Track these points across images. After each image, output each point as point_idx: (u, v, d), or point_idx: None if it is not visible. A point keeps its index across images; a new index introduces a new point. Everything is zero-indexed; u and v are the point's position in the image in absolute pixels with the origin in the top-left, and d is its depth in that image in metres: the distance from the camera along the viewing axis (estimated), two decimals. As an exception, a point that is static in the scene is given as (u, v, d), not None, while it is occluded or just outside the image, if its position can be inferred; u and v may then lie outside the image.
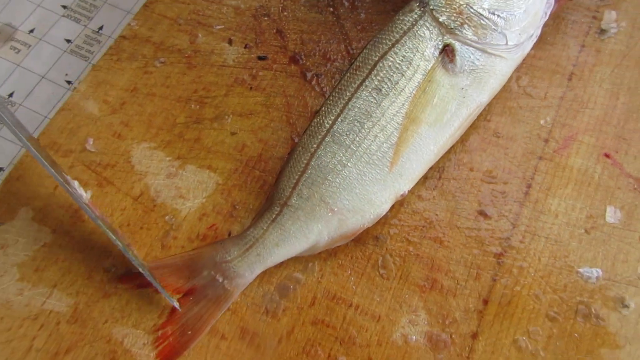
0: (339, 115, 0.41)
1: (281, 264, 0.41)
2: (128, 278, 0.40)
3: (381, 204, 0.40)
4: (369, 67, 0.41)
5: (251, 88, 0.47)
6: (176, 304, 0.38)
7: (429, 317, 0.39)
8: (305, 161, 0.41)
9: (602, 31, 0.49)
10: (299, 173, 0.40)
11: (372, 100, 0.41)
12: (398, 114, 0.40)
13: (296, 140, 0.45)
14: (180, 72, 0.48)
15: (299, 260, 0.41)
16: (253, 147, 0.45)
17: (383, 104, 0.40)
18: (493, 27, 0.41)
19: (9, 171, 0.45)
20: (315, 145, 0.41)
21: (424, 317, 0.39)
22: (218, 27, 0.50)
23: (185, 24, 0.50)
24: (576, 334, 0.38)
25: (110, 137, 0.46)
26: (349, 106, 0.41)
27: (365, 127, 0.40)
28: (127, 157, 0.45)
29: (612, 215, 0.42)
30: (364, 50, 0.42)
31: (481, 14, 0.41)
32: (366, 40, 0.48)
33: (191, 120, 0.46)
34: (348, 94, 0.41)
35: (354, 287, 0.40)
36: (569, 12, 0.49)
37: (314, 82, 0.47)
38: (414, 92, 0.40)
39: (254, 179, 0.44)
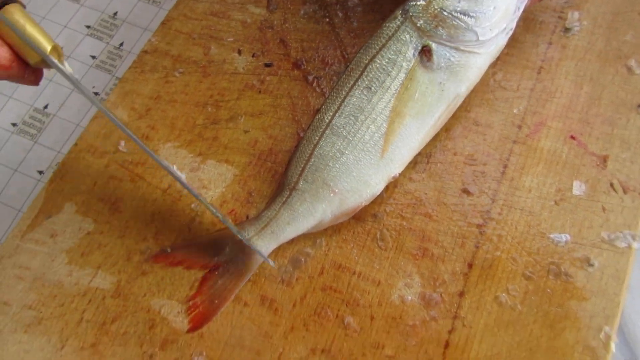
0: (336, 111, 0.47)
1: (292, 240, 0.47)
2: (160, 256, 0.46)
3: (375, 185, 0.46)
4: (361, 69, 0.48)
5: (260, 91, 0.54)
6: (270, 262, 0.45)
7: (421, 280, 0.46)
8: (309, 151, 0.47)
9: (567, 29, 0.55)
10: (304, 161, 0.47)
11: (363, 97, 0.47)
12: (386, 108, 0.46)
13: (301, 134, 0.52)
14: (197, 80, 0.55)
15: (308, 237, 0.47)
16: (264, 142, 0.52)
17: (373, 100, 0.47)
18: (464, 26, 0.47)
19: (51, 172, 0.52)
20: (317, 137, 0.47)
21: (418, 280, 0.46)
22: (228, 39, 0.57)
23: (199, 38, 0.57)
24: (548, 290, 0.44)
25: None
26: (345, 103, 0.47)
27: (359, 120, 0.47)
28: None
29: (578, 188, 0.48)
30: (357, 55, 0.49)
31: (453, 16, 0.47)
32: (359, 46, 0.55)
33: (209, 122, 0.53)
34: (343, 92, 0.48)
35: (356, 257, 0.47)
36: (537, 14, 0.55)
37: (314, 84, 0.54)
38: (398, 89, 0.47)
39: (266, 169, 0.50)
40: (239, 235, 0.44)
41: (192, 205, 0.49)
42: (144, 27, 0.65)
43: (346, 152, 0.46)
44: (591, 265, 0.45)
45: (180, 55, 0.56)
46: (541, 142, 0.50)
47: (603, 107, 0.51)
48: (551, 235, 0.46)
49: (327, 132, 0.47)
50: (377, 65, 0.47)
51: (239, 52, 0.56)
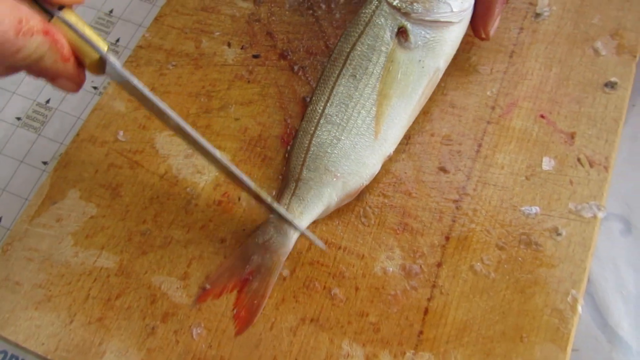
0: (327, 101, 0.50)
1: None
2: (204, 295, 0.48)
3: (373, 165, 0.50)
4: (344, 57, 0.51)
5: (249, 81, 0.57)
6: (323, 246, 0.48)
7: (402, 252, 0.49)
8: (307, 142, 0.50)
9: (537, 15, 0.58)
10: (304, 152, 0.50)
11: (350, 85, 0.50)
12: (373, 93, 0.50)
13: (289, 121, 0.55)
14: (189, 73, 0.58)
15: (296, 216, 0.51)
16: (253, 129, 0.55)
17: (359, 87, 0.50)
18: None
19: (55, 162, 0.55)
20: (313, 128, 0.50)
21: (399, 253, 0.49)
22: (218, 33, 0.60)
23: (190, 32, 0.60)
24: (520, 258, 0.48)
25: (137, 129, 0.56)
26: (334, 93, 0.51)
27: (349, 107, 0.50)
28: (152, 144, 0.55)
29: (547, 164, 0.51)
30: (338, 43, 0.52)
31: None
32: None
33: (201, 111, 0.56)
34: (331, 82, 0.51)
35: (341, 233, 0.50)
36: (510, 1, 0.59)
37: (300, 74, 0.57)
38: (381, 73, 0.50)
39: (255, 154, 0.54)
40: (287, 217, 0.47)
41: (187, 190, 0.52)
42: (139, 24, 0.68)
43: (342, 138, 0.49)
44: (559, 234, 0.48)
45: (173, 49, 0.59)
46: (513, 121, 0.53)
47: (571, 87, 0.54)
48: (522, 208, 0.50)
49: (321, 121, 0.50)
50: (359, 53, 0.50)
51: (229, 45, 0.59)
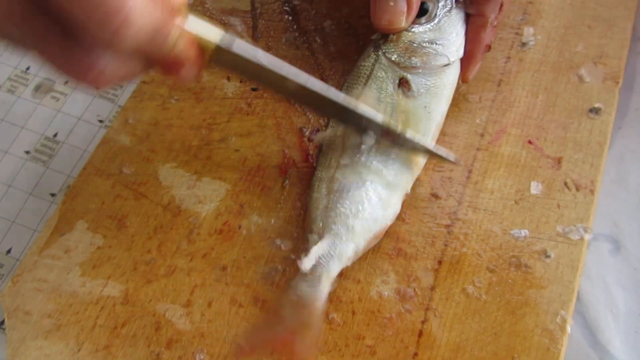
0: (341, 152, 0.51)
1: (279, 246, 0.52)
2: (239, 354, 0.48)
3: (395, 205, 0.50)
4: None
5: (248, 114, 0.60)
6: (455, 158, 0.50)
7: (397, 276, 0.51)
8: (326, 191, 0.50)
9: (523, 44, 0.61)
10: (325, 202, 0.50)
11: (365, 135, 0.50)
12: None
13: (286, 151, 0.57)
14: (191, 106, 0.61)
15: (296, 243, 0.53)
16: (253, 159, 0.57)
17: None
18: (434, 53, 0.52)
19: (63, 194, 0.58)
20: (330, 176, 0.51)
21: (393, 277, 0.51)
22: (217, 68, 0.63)
23: (191, 67, 0.63)
24: (510, 280, 0.50)
25: (141, 162, 0.58)
26: (346, 145, 0.51)
27: (364, 154, 0.50)
28: (156, 176, 0.57)
29: (535, 188, 0.53)
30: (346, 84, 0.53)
31: (423, 46, 0.52)
32: (336, 69, 0.61)
33: (203, 143, 0.59)
34: (341, 131, 0.52)
35: (338, 259, 0.52)
36: (497, 32, 0.61)
37: (296, 105, 0.60)
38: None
39: (255, 184, 0.56)
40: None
41: (190, 219, 0.55)
42: (142, 58, 0.71)
43: (362, 180, 0.50)
44: (548, 256, 0.50)
45: (175, 84, 0.62)
46: (502, 147, 0.55)
47: (557, 113, 0.56)
48: (512, 232, 0.52)
49: (338, 171, 0.51)
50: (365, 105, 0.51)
51: (228, 79, 0.62)
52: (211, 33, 0.40)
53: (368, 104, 0.51)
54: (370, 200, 0.49)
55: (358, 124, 0.49)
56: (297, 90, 0.45)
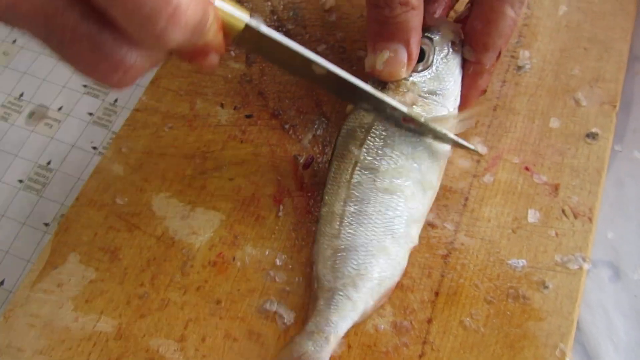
0: (344, 201, 0.50)
1: (274, 279, 0.52)
2: None
3: (403, 259, 0.49)
4: (354, 153, 0.50)
5: (242, 141, 0.59)
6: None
7: (393, 309, 0.50)
8: (331, 248, 0.49)
9: (519, 67, 0.60)
10: (331, 259, 0.49)
11: (367, 181, 0.50)
12: (392, 186, 0.49)
13: (280, 179, 0.57)
14: (185, 134, 0.60)
15: (291, 274, 0.52)
16: (247, 188, 0.57)
17: (377, 183, 0.49)
18: (435, 103, 0.51)
19: (56, 224, 0.57)
20: (335, 232, 0.49)
21: (390, 310, 0.50)
22: (211, 94, 0.62)
23: (185, 94, 0.63)
24: (508, 312, 0.49)
25: (134, 191, 0.57)
26: (350, 191, 0.50)
27: (370, 205, 0.49)
28: (149, 206, 0.56)
29: (532, 216, 0.53)
30: (339, 139, 0.52)
31: (422, 96, 0.51)
32: (331, 94, 0.60)
33: (197, 172, 0.58)
34: (344, 180, 0.50)
35: (333, 291, 0.51)
36: (492, 55, 0.60)
37: (291, 132, 0.59)
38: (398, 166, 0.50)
39: (249, 213, 0.55)
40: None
41: (183, 251, 0.54)
42: (136, 83, 0.70)
43: (369, 238, 0.48)
44: (546, 287, 0.49)
45: (168, 111, 0.62)
46: (498, 174, 0.55)
47: (554, 138, 0.56)
48: (509, 262, 0.51)
49: (343, 224, 0.49)
50: (369, 147, 0.50)
51: (222, 106, 0.61)
52: (237, 13, 0.38)
53: (373, 144, 0.50)
54: (378, 258, 0.48)
55: (384, 112, 0.49)
56: (321, 75, 0.46)
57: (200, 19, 0.31)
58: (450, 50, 0.52)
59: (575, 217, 0.52)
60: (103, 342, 0.51)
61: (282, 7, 0.67)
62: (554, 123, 0.56)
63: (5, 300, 0.59)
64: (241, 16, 0.39)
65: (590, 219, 0.52)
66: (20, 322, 0.52)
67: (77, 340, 0.51)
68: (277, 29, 0.65)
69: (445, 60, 0.52)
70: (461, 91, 0.53)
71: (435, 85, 0.51)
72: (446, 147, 0.52)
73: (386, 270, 0.49)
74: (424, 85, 0.51)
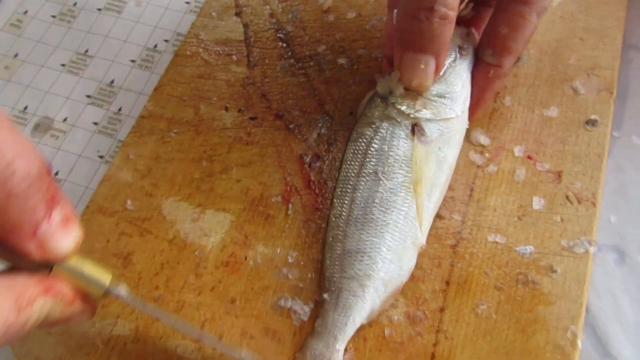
0: (351, 204, 0.51)
1: (287, 276, 0.53)
2: None
3: (410, 259, 0.50)
4: (360, 157, 0.52)
5: (247, 143, 0.60)
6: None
7: (405, 300, 0.51)
8: (339, 249, 0.50)
9: (517, 59, 0.61)
10: (339, 260, 0.50)
11: (374, 184, 0.51)
12: (400, 190, 0.50)
13: (288, 179, 0.57)
14: (191, 139, 0.61)
15: (303, 270, 0.53)
16: (255, 189, 0.58)
17: (383, 185, 0.50)
18: (443, 105, 0.52)
19: (68, 234, 0.57)
20: (342, 233, 0.51)
21: (402, 301, 0.51)
22: (215, 98, 0.63)
23: (189, 99, 0.64)
24: (518, 298, 0.50)
25: (144, 197, 0.58)
26: (357, 194, 0.51)
27: (376, 207, 0.50)
28: (159, 210, 0.57)
29: (537, 203, 0.54)
30: (349, 144, 0.53)
31: (431, 100, 0.52)
32: (332, 94, 0.61)
33: (204, 175, 0.59)
34: (350, 183, 0.52)
35: (346, 285, 0.52)
36: (489, 48, 0.62)
37: (296, 132, 0.60)
38: (406, 170, 0.51)
39: (258, 213, 0.56)
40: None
41: (196, 253, 0.55)
42: (139, 92, 0.71)
43: (375, 239, 0.49)
44: (554, 271, 0.50)
45: (173, 117, 0.62)
46: (502, 164, 0.56)
47: (554, 127, 0.57)
48: (517, 248, 0.52)
49: (350, 226, 0.50)
50: (376, 151, 0.52)
51: (226, 109, 0.62)
52: (99, 279, 0.41)
53: (380, 149, 0.51)
54: (385, 258, 0.49)
55: None
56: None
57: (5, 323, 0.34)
58: (458, 54, 0.53)
59: (579, 202, 0.53)
60: (121, 346, 0.51)
61: (280, 9, 0.68)
62: (554, 112, 0.57)
63: (21, 310, 0.59)
64: (99, 284, 0.41)
65: (593, 204, 0.53)
66: (38, 331, 0.52)
67: (95, 346, 0.51)
68: (277, 31, 0.67)
69: (453, 64, 0.53)
70: (477, 94, 0.54)
71: (444, 89, 0.52)
72: (454, 151, 0.53)
73: (393, 271, 0.49)
74: (432, 89, 0.52)
